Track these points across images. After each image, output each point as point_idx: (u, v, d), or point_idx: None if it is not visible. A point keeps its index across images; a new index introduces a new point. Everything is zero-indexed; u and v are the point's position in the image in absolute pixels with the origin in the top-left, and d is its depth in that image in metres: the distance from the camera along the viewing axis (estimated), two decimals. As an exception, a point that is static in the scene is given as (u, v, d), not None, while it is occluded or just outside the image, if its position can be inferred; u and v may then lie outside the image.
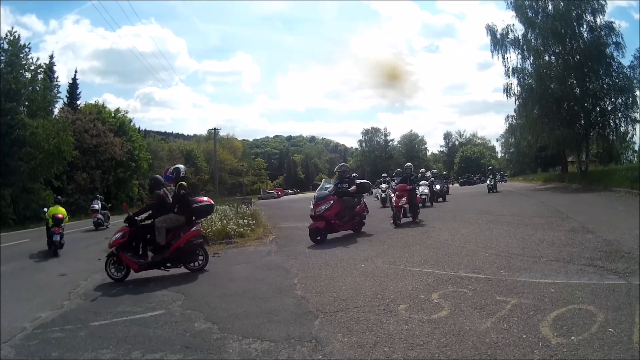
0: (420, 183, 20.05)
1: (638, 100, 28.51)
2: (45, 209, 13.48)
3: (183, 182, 8.90)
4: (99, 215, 21.76)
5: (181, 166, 9.37)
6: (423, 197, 19.50)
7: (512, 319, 4.53)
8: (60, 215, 13.02)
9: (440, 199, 23.81)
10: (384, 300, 5.59)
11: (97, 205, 21.90)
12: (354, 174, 21.15)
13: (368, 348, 4.16)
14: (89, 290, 7.98)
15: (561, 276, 6.04)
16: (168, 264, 8.62)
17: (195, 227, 8.71)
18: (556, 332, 4.10)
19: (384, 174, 28.06)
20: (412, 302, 5.45)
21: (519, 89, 32.15)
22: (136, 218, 8.68)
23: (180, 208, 8.63)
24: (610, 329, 4.06)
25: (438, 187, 24.04)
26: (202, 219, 9.74)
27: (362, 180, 14.53)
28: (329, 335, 4.56)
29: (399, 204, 13.68)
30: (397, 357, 3.92)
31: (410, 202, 13.96)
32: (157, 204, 8.88)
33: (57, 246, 12.61)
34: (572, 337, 3.95)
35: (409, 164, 16.09)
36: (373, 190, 27.33)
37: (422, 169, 25.76)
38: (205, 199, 9.23)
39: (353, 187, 12.31)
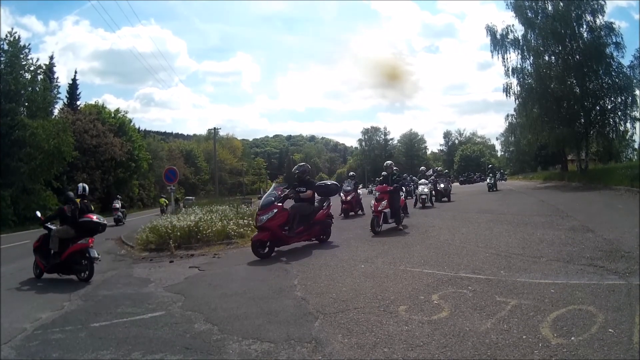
0: (419, 182, 20.09)
1: (638, 99, 28.53)
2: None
3: (77, 200, 9.77)
4: (119, 213, 26.00)
5: (80, 185, 10.33)
6: (423, 197, 19.25)
7: (512, 320, 4.53)
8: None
9: (445, 199, 22.43)
10: (384, 301, 5.59)
11: (117, 204, 26.61)
12: (351, 173, 21.38)
13: (368, 349, 4.16)
14: (89, 291, 7.98)
15: (561, 276, 6.04)
16: (61, 271, 9.19)
17: (81, 241, 8.99)
18: (556, 332, 4.11)
19: (384, 173, 24.93)
20: (412, 303, 5.45)
21: (518, 88, 32.09)
22: (46, 225, 9.65)
23: (71, 222, 9.37)
24: (610, 330, 4.06)
25: (442, 185, 22.59)
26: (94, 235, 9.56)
27: (327, 182, 13.06)
28: (329, 336, 4.56)
29: (378, 208, 12.31)
30: (397, 358, 3.92)
31: (391, 206, 12.51)
32: (58, 215, 9.64)
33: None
34: (572, 338, 3.95)
35: (389, 162, 14.45)
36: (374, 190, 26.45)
37: (422, 167, 25.19)
38: (94, 217, 9.54)
39: (307, 192, 10.92)
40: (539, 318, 4.52)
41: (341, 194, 17.74)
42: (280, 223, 10.19)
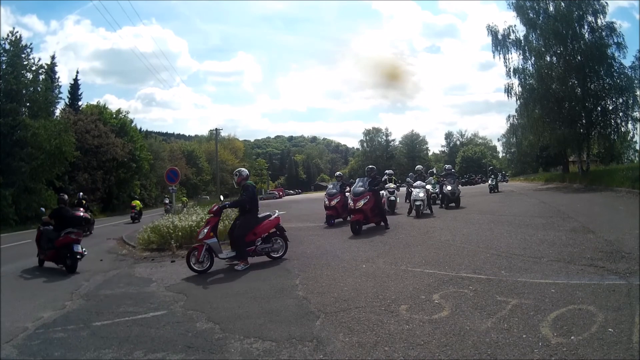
0: (414, 185, 16.73)
1: (639, 100, 28.48)
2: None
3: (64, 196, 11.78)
4: (135, 211, 27.68)
5: (80, 194, 12.18)
6: (418, 203, 15.64)
7: (512, 319, 4.55)
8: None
9: (453, 204, 18.36)
10: (385, 301, 5.61)
11: (166, 200, 30.42)
12: (338, 173, 19.88)
13: (369, 348, 4.19)
14: (90, 290, 8.01)
15: (562, 276, 6.06)
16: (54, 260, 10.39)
17: (70, 234, 10.21)
18: (556, 332, 4.13)
19: (389, 171, 21.60)
20: (413, 303, 5.47)
21: (520, 89, 32.03)
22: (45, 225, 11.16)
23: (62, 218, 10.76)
24: (610, 329, 4.08)
25: (449, 188, 18.38)
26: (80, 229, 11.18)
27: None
28: (330, 335, 4.59)
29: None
30: (398, 357, 3.95)
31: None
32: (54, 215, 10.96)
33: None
34: (572, 337, 3.97)
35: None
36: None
37: (417, 166, 20.94)
38: (81, 212, 11.32)
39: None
40: (539, 317, 4.53)
41: (325, 199, 15.81)
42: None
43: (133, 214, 27.46)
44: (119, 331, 5.38)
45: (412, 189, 16.57)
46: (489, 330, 4.33)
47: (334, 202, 15.38)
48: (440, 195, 19.19)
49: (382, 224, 12.97)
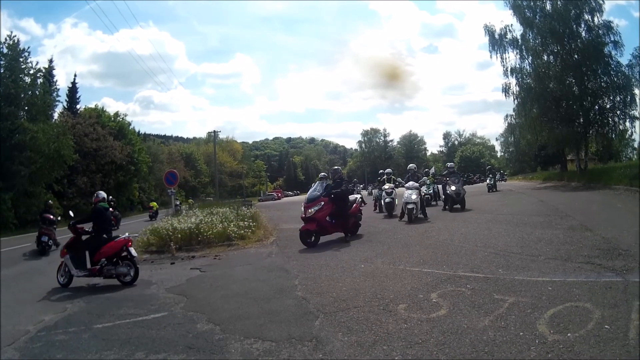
0: (406, 186, 14.78)
1: (636, 98, 28.56)
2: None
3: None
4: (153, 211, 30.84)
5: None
6: (410, 207, 13.89)
7: (509, 317, 4.60)
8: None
9: (458, 206, 16.57)
10: (384, 300, 5.66)
11: (177, 201, 29.56)
12: (322, 174, 14.18)
13: (367, 347, 4.23)
14: (91, 293, 8.06)
15: (559, 274, 6.10)
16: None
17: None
18: (553, 329, 4.17)
19: (389, 170, 19.53)
20: (411, 302, 5.52)
21: (517, 88, 32.06)
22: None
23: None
24: (606, 326, 4.13)
25: (453, 188, 16.65)
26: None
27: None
28: (329, 335, 4.63)
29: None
30: (396, 355, 3.99)
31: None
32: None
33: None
34: (569, 334, 4.01)
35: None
36: (374, 191, 23.79)
37: (410, 165, 17.21)
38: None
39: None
40: (536, 315, 4.58)
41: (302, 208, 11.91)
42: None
43: (151, 213, 30.78)
44: (120, 333, 5.43)
45: (405, 191, 14.63)
46: (487, 328, 4.37)
47: (312, 211, 11.43)
48: (444, 197, 18.04)
49: (348, 236, 11.60)
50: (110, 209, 18.28)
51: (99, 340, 5.21)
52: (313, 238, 11.12)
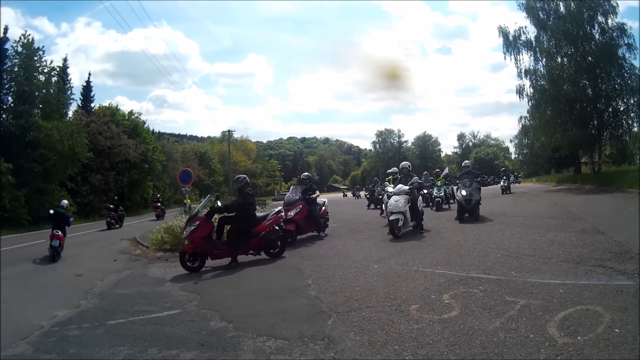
0: (392, 191, 12.08)
1: (650, 101, 28.33)
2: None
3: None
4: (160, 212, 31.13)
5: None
6: (395, 217, 11.19)
7: (520, 319, 4.60)
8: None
9: (467, 215, 13.77)
10: (396, 301, 5.68)
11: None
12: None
13: (379, 346, 4.26)
14: (105, 290, 8.17)
15: (570, 277, 6.08)
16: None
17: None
18: (563, 332, 4.17)
19: (395, 168, 16.21)
20: (424, 302, 5.54)
21: (531, 90, 31.94)
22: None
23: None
24: (616, 330, 4.12)
25: (464, 193, 13.81)
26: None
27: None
28: (342, 334, 4.67)
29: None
30: (407, 355, 4.02)
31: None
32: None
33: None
34: (579, 337, 4.01)
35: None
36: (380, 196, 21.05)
37: (404, 163, 13.37)
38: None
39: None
40: (546, 317, 4.58)
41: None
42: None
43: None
44: (134, 329, 5.51)
45: (390, 197, 11.98)
46: (497, 330, 4.38)
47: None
48: (455, 202, 16.09)
49: (322, 233, 13.06)
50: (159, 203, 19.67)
51: (112, 336, 5.29)
52: (290, 240, 11.49)
